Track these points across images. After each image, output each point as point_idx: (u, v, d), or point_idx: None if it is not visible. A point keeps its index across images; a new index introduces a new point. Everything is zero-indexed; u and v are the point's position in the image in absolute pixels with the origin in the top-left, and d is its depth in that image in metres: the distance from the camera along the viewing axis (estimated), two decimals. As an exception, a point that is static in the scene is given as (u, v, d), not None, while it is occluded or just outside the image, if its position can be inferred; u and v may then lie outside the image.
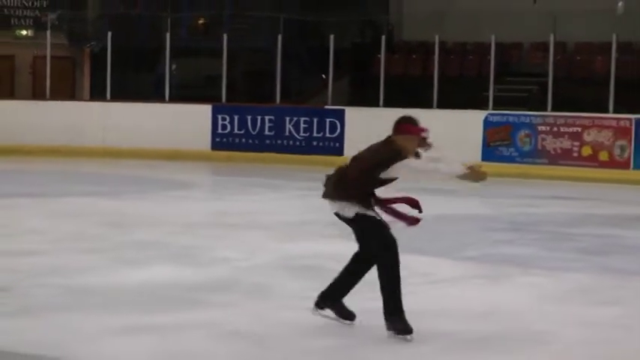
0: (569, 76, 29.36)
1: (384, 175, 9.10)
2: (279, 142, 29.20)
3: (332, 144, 28.62)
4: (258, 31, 31.59)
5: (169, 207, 19.31)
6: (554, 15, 29.52)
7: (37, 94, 33.02)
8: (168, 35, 30.65)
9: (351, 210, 9.17)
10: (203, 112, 29.82)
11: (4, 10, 35.58)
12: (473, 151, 26.88)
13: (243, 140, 29.55)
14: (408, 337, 9.01)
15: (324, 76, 30.20)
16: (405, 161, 9.06)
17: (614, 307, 11.02)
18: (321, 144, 28.78)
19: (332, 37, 29.26)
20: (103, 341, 8.59)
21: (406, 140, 9.15)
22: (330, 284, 9.48)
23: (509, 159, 26.80)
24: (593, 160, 26.13)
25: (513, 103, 28.64)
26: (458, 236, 16.03)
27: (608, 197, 22.44)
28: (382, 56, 29.36)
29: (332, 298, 9.45)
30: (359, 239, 9.36)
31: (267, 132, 29.43)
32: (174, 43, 30.74)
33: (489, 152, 26.97)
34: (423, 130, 9.22)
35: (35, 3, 35.94)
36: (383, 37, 30.00)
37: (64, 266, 12.24)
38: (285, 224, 16.84)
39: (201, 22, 35.41)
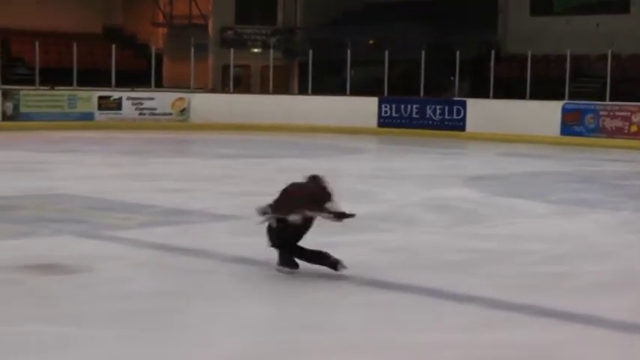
0: (622, 78, 28.44)
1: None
2: (422, 122, 29.04)
3: (458, 123, 28.38)
4: (409, 48, 31.32)
5: (349, 164, 19.34)
6: (611, 35, 28.71)
7: (264, 91, 33.35)
8: (349, 51, 30.63)
9: None
10: (372, 102, 29.77)
11: (243, 36, 36.01)
12: (555, 129, 26.43)
13: (399, 121, 29.46)
14: (288, 270, 7.80)
15: (452, 78, 29.89)
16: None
17: (653, 235, 10.73)
18: (450, 123, 28.54)
19: (458, 52, 28.96)
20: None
21: None
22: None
23: (579, 133, 26.14)
24: (637, 135, 25.36)
25: (583, 96, 27.95)
26: (544, 186, 15.70)
27: (648, 160, 21.79)
28: (492, 64, 28.95)
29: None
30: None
31: (414, 115, 29.28)
32: (353, 57, 30.71)
33: (566, 129, 26.39)
34: None
35: (263, 31, 36.30)
36: (492, 52, 29.60)
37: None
38: (426, 176, 16.72)
39: (371, 42, 35.29)
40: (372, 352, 5.87)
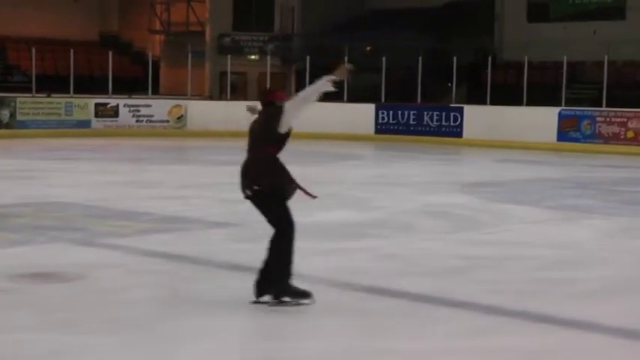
0: (618, 84, 28.51)
1: (283, 129, 7.50)
2: (419, 128, 29.11)
3: (455, 130, 28.41)
4: (406, 55, 31.34)
5: (346, 171, 19.34)
6: (608, 42, 28.71)
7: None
8: (346, 58, 30.62)
9: (260, 184, 7.47)
10: (369, 109, 29.84)
11: (239, 42, 35.99)
12: (551, 135, 26.44)
13: (396, 127, 29.51)
14: (308, 300, 7.03)
15: (449, 84, 29.90)
16: (286, 105, 7.41)
17: (650, 241, 10.72)
18: (447, 130, 28.57)
19: (455, 58, 29.01)
20: (308, 258, 8.34)
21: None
22: (262, 271, 7.13)
23: (576, 139, 26.20)
24: (634, 140, 25.38)
25: (579, 102, 28.01)
26: (540, 192, 15.70)
27: (644, 166, 21.79)
28: (489, 71, 29.00)
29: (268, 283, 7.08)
30: (265, 214, 7.30)
31: (411, 122, 29.34)
32: (350, 63, 30.69)
33: (562, 135, 26.42)
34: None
35: (260, 37, 36.27)
36: (489, 58, 29.67)
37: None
38: (423, 183, 16.73)
39: (368, 49, 35.28)
40: (367, 359, 5.87)
